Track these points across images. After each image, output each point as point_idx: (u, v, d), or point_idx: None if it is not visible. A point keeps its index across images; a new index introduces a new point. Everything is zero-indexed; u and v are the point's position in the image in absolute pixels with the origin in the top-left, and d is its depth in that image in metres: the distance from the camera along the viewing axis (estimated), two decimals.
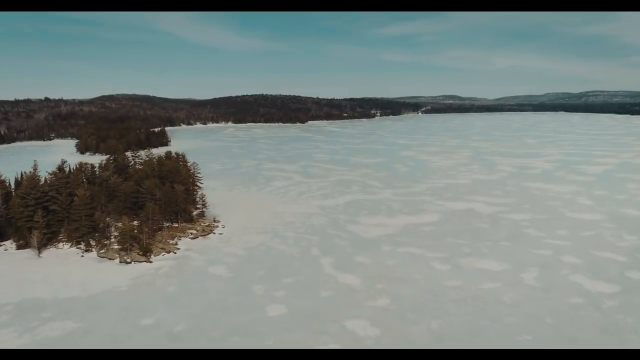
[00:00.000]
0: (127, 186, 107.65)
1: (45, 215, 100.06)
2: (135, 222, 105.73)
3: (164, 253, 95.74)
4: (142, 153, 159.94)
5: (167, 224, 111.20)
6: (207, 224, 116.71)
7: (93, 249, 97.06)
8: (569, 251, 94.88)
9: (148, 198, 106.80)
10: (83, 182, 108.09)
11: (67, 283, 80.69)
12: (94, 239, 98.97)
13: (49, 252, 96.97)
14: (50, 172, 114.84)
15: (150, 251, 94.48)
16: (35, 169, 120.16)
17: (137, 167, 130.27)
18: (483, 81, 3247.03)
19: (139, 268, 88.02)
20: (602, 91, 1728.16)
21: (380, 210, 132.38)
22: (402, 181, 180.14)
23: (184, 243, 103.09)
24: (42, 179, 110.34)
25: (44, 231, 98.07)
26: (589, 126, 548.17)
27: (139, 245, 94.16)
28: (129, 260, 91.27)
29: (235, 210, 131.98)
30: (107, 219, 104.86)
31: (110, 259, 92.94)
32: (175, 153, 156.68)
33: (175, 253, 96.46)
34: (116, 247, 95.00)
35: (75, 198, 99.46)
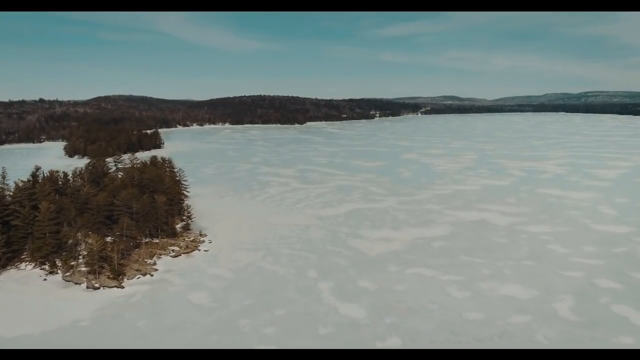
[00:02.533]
0: (100, 198, 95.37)
1: (5, 231, 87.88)
2: (109, 239, 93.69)
3: (139, 275, 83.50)
4: (126, 158, 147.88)
5: (147, 240, 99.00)
6: (191, 238, 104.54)
7: (59, 271, 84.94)
8: (603, 273, 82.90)
9: (124, 211, 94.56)
10: (51, 192, 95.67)
11: (20, 316, 68.50)
12: (60, 259, 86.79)
13: (8, 275, 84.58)
14: (17, 181, 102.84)
15: (123, 274, 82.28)
16: (3, 177, 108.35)
17: (114, 174, 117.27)
18: (482, 82, 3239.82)
19: (108, 295, 75.80)
20: (602, 92, 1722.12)
21: (385, 222, 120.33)
22: (406, 187, 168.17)
23: (163, 262, 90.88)
24: (11, 189, 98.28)
25: (4, 250, 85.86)
26: (593, 127, 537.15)
27: (109, 267, 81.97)
28: (97, 285, 79.10)
29: (224, 221, 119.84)
30: (78, 235, 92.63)
31: (76, 283, 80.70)
32: (161, 158, 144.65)
33: (152, 275, 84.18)
34: (84, 269, 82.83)
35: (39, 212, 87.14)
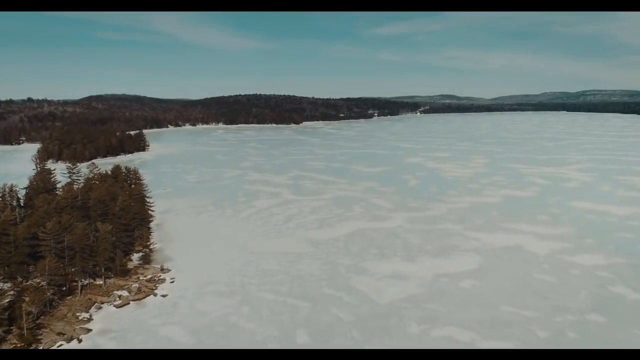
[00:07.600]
0: (20, 229, 71.91)
1: None
2: (32, 281, 70.39)
3: (61, 342, 60.15)
4: (82, 167, 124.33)
5: (87, 281, 75.68)
6: (149, 276, 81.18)
7: None
8: None
9: (51, 247, 71.12)
10: None
11: None
12: None
13: None
14: None
15: (37, 340, 58.98)
16: None
17: (46, 195, 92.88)
18: (480, 81, 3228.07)
19: None
20: (600, 90, 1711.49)
21: (395, 249, 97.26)
22: (416, 199, 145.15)
23: (103, 316, 67.49)
24: None
25: None
26: (600, 127, 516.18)
27: (18, 331, 58.64)
28: None
29: (196, 249, 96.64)
30: None
31: None
32: (125, 168, 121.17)
33: (79, 341, 60.78)
34: None
35: None
